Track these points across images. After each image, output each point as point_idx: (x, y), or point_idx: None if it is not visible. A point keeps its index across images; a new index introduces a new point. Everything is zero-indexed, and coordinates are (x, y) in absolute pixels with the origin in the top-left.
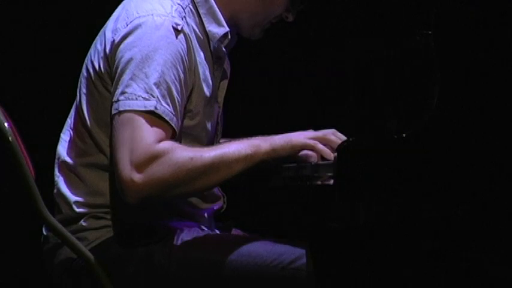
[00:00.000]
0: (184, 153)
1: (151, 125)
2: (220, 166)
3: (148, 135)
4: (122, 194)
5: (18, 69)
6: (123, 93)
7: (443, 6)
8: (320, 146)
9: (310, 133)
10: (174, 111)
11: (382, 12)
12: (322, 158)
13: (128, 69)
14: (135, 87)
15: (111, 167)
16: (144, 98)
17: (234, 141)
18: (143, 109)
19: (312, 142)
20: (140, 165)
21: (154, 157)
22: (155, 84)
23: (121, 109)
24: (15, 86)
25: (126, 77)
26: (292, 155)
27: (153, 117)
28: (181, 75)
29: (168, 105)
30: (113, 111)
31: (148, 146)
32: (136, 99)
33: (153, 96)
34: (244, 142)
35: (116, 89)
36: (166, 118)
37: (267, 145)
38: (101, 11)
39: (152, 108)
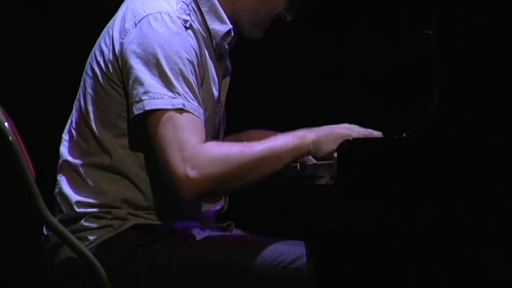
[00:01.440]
0: (234, 147)
1: (190, 122)
2: (270, 158)
3: (192, 133)
4: (178, 192)
5: (18, 69)
6: (146, 92)
7: (443, 6)
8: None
9: (356, 128)
10: (199, 105)
11: (382, 12)
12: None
13: (146, 69)
14: (158, 87)
15: (114, 168)
16: (170, 97)
17: (279, 134)
18: (171, 107)
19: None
20: (193, 163)
21: (205, 154)
22: (177, 81)
23: (147, 108)
24: (15, 86)
25: (145, 77)
26: (334, 149)
27: (185, 114)
28: (197, 69)
29: (193, 100)
30: (137, 111)
31: (197, 143)
32: (162, 97)
33: (179, 94)
34: (290, 134)
35: (134, 89)
36: (195, 113)
37: (313, 135)
38: (101, 11)
39: (181, 106)
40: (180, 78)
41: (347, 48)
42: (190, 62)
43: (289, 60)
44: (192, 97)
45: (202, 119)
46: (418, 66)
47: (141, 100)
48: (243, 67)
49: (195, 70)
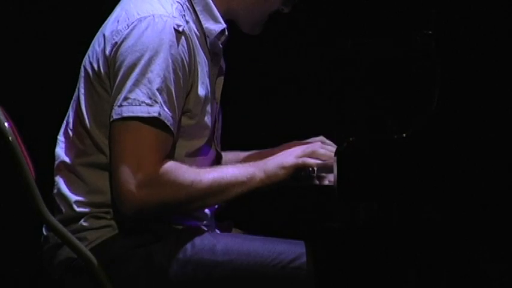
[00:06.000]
0: (186, 176)
1: (156, 137)
2: (217, 191)
3: (154, 151)
4: (120, 204)
5: (18, 69)
6: (126, 98)
7: (443, 6)
8: (310, 161)
9: (298, 149)
10: (173, 115)
11: (382, 12)
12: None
13: (131, 74)
14: (138, 93)
15: (111, 167)
16: (148, 104)
17: (231, 164)
18: (147, 115)
19: (300, 161)
20: (144, 183)
21: (158, 177)
22: (158, 89)
23: (125, 115)
24: (15, 86)
25: (129, 82)
26: (288, 177)
27: (156, 125)
28: (181, 78)
29: (169, 109)
30: (115, 116)
31: (153, 165)
32: (140, 105)
33: (156, 102)
34: (240, 168)
35: (118, 93)
36: (168, 124)
37: (262, 174)
38: (99, 11)
39: (156, 115)
40: (162, 87)
41: (347, 48)
42: (175, 71)
43: (289, 61)
44: (169, 106)
45: (174, 129)
46: (418, 66)
47: (121, 105)
48: (242, 66)
49: (179, 80)
